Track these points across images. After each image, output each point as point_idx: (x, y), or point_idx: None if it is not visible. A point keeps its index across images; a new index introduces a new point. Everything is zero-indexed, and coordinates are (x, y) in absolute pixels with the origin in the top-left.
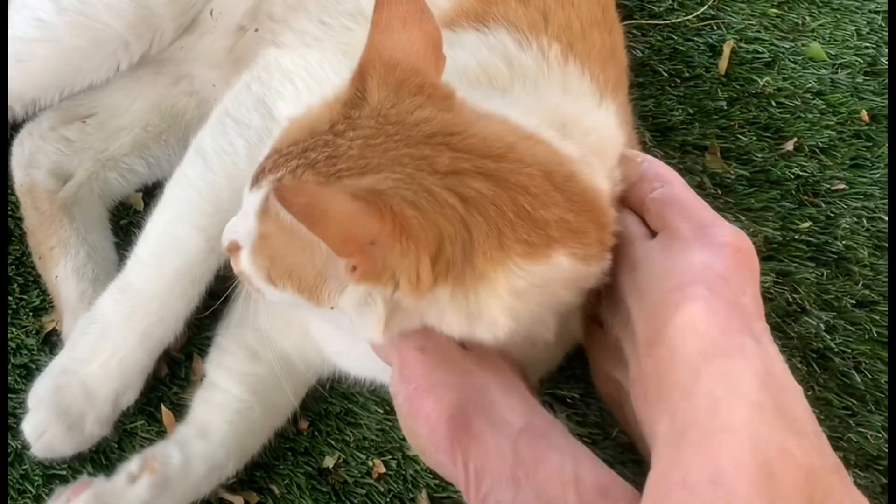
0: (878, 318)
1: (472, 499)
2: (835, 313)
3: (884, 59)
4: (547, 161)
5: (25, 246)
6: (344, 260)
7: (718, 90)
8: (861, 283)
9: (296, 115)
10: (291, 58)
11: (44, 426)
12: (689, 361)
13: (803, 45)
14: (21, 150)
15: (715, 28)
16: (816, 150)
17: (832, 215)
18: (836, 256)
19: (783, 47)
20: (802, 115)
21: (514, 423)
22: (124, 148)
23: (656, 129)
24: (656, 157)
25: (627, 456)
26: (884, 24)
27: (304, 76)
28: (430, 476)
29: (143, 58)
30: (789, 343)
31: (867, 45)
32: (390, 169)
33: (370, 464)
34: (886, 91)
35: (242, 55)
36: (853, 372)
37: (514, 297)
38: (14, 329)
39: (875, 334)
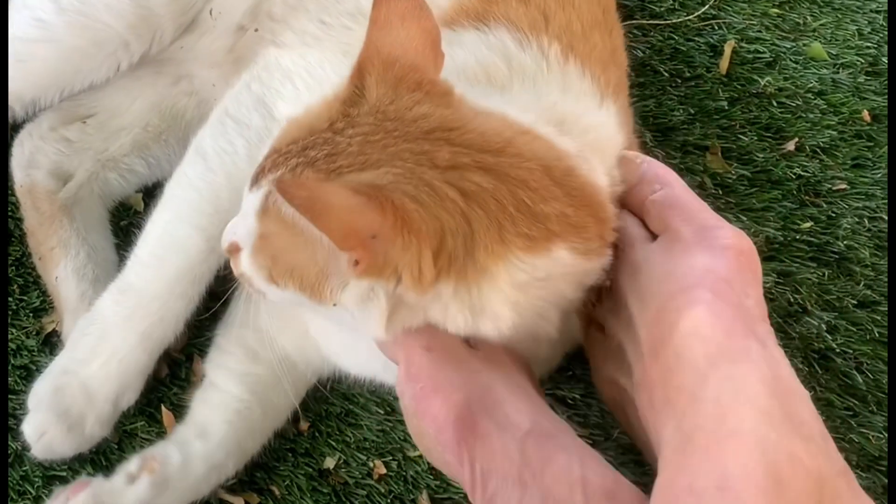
0: (879, 318)
1: (478, 499)
2: (836, 314)
3: (885, 59)
4: (545, 156)
5: (25, 247)
6: (346, 254)
7: (719, 90)
8: (862, 283)
9: (295, 115)
10: (291, 57)
11: (44, 427)
12: (694, 366)
13: (804, 44)
14: (21, 151)
15: (716, 28)
16: (818, 150)
17: (833, 215)
18: (837, 257)
19: (784, 47)
20: (804, 115)
21: (520, 423)
22: (124, 148)
23: (657, 130)
24: (657, 157)
25: (629, 457)
26: (885, 24)
27: (304, 76)
28: (431, 477)
29: (143, 58)
30: (790, 343)
31: (868, 44)
32: (390, 164)
33: (371, 465)
34: (887, 91)
35: (242, 55)
36: (854, 372)
37: (516, 291)
38: (14, 330)
39: (876, 335)
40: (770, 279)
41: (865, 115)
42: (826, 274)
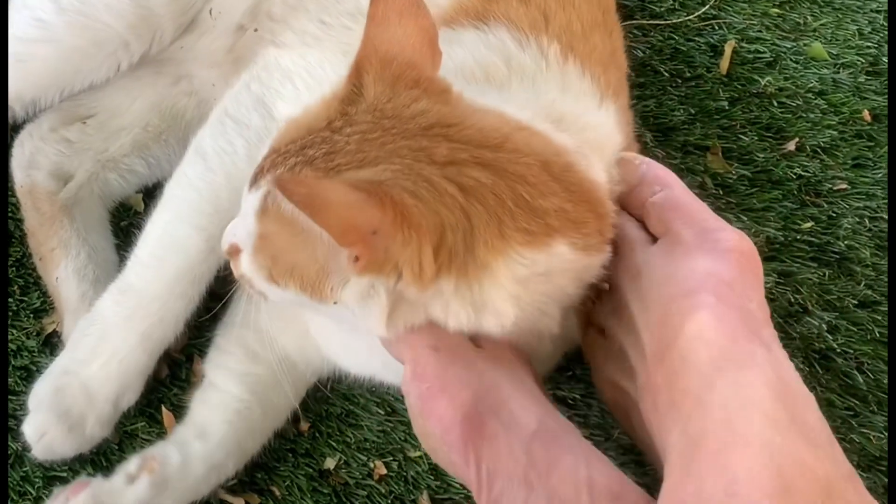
0: (880, 318)
1: (483, 500)
2: (837, 314)
3: (886, 59)
4: (543, 151)
5: (26, 247)
6: (346, 251)
7: (720, 90)
8: (863, 283)
9: (294, 115)
10: (291, 57)
11: (44, 428)
12: (700, 371)
13: (805, 44)
14: (21, 152)
15: (716, 28)
16: (818, 149)
17: (834, 215)
18: (838, 257)
19: (785, 47)
20: (804, 115)
21: (527, 424)
22: (124, 148)
23: (658, 130)
24: (658, 157)
25: (629, 457)
26: (885, 24)
27: (303, 76)
28: (432, 477)
29: (143, 58)
30: (791, 344)
31: (869, 44)
32: (388, 161)
33: (371, 465)
34: (888, 91)
35: (242, 55)
36: (855, 372)
37: (516, 286)
38: (15, 331)
39: (877, 334)
40: (771, 279)
41: (866, 114)
42: (827, 274)
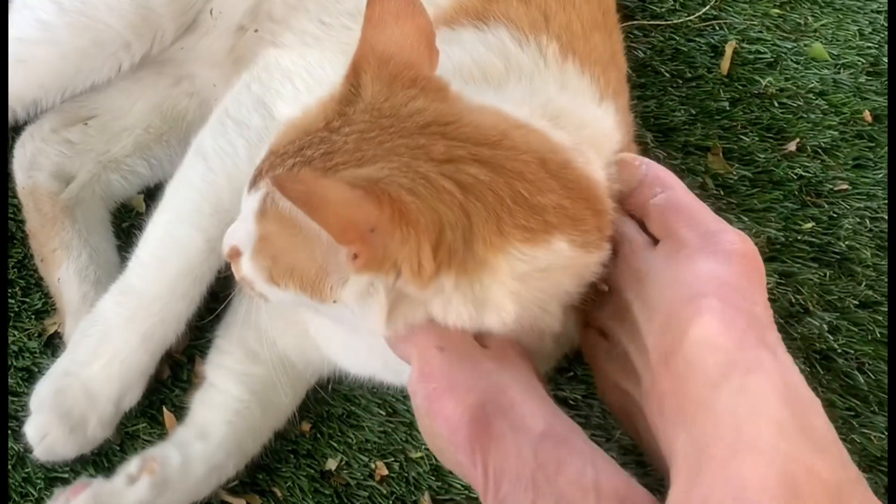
0: (880, 318)
1: (489, 501)
2: (838, 314)
3: (886, 59)
4: (541, 148)
5: (27, 248)
6: (345, 249)
7: (720, 91)
8: (864, 283)
9: (292, 117)
10: (291, 58)
11: (46, 429)
12: (707, 377)
13: (805, 45)
14: (23, 153)
15: (717, 28)
16: (819, 150)
17: (835, 216)
18: (838, 257)
19: (785, 47)
20: (805, 116)
21: (534, 425)
22: (126, 149)
23: (658, 130)
24: (658, 158)
25: (630, 457)
26: (886, 24)
27: (303, 76)
28: (433, 478)
29: (145, 58)
30: (792, 344)
31: (869, 45)
32: (386, 159)
33: (372, 466)
34: (888, 91)
35: (243, 55)
36: (856, 373)
37: (517, 282)
38: (16, 332)
39: (878, 335)
40: (772, 280)
41: (867, 115)
42: (827, 274)
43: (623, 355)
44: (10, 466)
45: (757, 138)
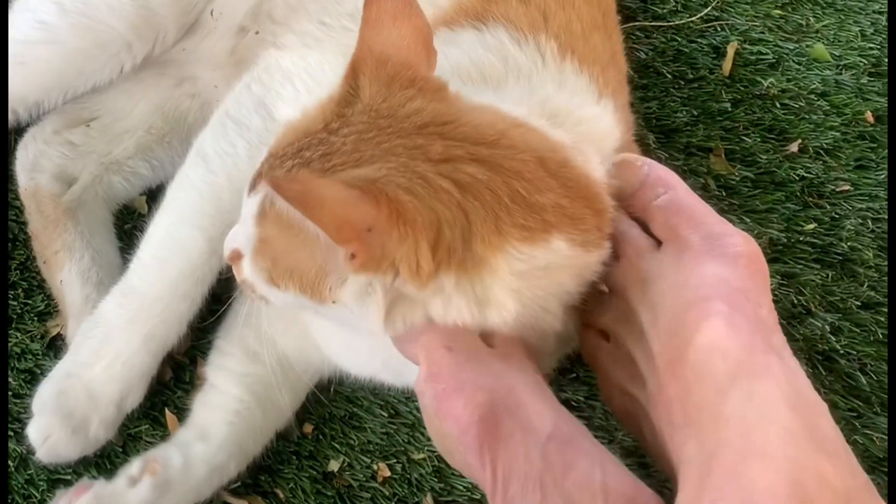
0: (882, 319)
1: (497, 502)
2: (840, 315)
3: (888, 60)
4: (539, 147)
5: (30, 250)
6: (342, 249)
7: (722, 92)
8: (866, 284)
9: (292, 119)
10: (292, 59)
11: (48, 430)
12: (715, 383)
13: (807, 46)
14: (25, 155)
15: (718, 29)
16: (821, 151)
17: (837, 217)
18: (841, 258)
19: (787, 48)
20: (807, 117)
21: (542, 426)
22: (128, 151)
23: (660, 131)
24: (660, 159)
25: (632, 459)
26: (887, 25)
27: (304, 77)
28: (436, 480)
29: (146, 60)
30: (794, 345)
31: (871, 45)
32: (384, 160)
33: (375, 467)
34: (888, 92)
35: (244, 56)
36: (858, 374)
37: (517, 280)
38: (19, 334)
39: (880, 336)
40: (774, 281)
41: (869, 116)
42: (830, 275)
43: (627, 358)
44: (12, 468)
45: (759, 139)
